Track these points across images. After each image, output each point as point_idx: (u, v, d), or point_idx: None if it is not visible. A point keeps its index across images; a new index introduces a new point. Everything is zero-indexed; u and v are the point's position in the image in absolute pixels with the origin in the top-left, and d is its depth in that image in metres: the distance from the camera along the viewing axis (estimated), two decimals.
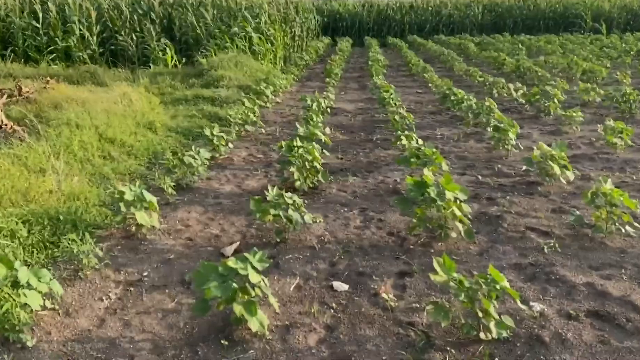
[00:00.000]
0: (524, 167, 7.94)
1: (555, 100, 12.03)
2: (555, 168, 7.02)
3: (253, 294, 4.16)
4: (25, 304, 4.19)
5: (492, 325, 3.84)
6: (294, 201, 5.83)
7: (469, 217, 6.08)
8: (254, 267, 4.17)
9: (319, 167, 7.37)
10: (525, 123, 11.56)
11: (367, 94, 16.40)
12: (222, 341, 4.05)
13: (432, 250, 5.47)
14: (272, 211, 5.68)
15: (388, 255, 5.44)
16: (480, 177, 7.89)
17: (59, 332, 4.21)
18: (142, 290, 4.86)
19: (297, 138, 7.69)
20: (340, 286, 4.87)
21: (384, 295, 4.63)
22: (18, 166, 6.87)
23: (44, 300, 4.25)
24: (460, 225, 5.48)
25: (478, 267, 5.08)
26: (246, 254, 4.22)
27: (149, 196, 5.80)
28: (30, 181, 6.49)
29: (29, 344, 3.98)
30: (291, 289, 4.86)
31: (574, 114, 10.61)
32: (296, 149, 7.33)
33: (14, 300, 4.02)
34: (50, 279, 4.23)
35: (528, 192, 7.10)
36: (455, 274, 3.98)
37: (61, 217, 5.75)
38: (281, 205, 5.76)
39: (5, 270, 3.97)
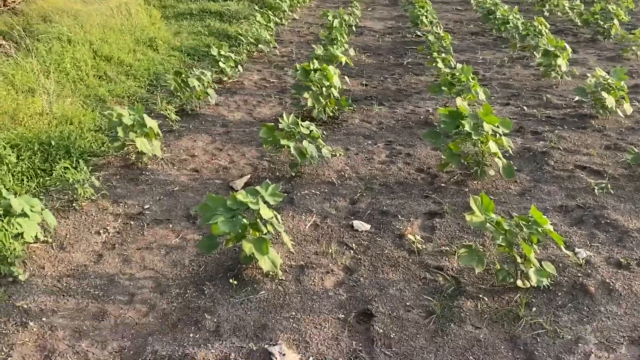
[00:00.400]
0: (576, 98, 7.76)
1: (617, 21, 11.59)
2: (611, 99, 6.83)
3: (264, 230, 4.20)
4: (18, 234, 4.29)
5: (531, 272, 3.85)
6: (311, 131, 5.78)
7: (511, 152, 6.01)
8: (265, 202, 4.19)
9: (336, 94, 7.25)
10: (580, 47, 11.22)
11: (399, 10, 15.97)
12: (231, 280, 4.13)
13: (467, 189, 5.44)
14: (285, 142, 5.64)
15: (416, 194, 5.43)
16: (525, 108, 7.74)
17: (53, 266, 4.32)
18: (143, 225, 4.94)
19: (315, 60, 7.54)
20: (362, 226, 4.89)
21: (410, 237, 4.65)
22: (4, 85, 6.89)
23: (38, 232, 4.34)
24: (499, 162, 5.41)
25: (518, 208, 5.05)
26: (257, 187, 4.23)
27: (150, 121, 5.79)
28: (19, 102, 6.52)
29: (20, 277, 4.10)
30: (307, 227, 4.90)
31: (639, 37, 10.24)
32: (312, 73, 7.20)
33: (6, 230, 4.10)
34: (43, 209, 4.30)
35: (579, 126, 6.96)
36: (492, 215, 3.95)
37: (53, 143, 5.80)
38: (296, 135, 5.72)
39: None
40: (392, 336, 3.60)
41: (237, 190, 5.33)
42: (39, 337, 3.61)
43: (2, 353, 3.44)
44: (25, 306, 3.87)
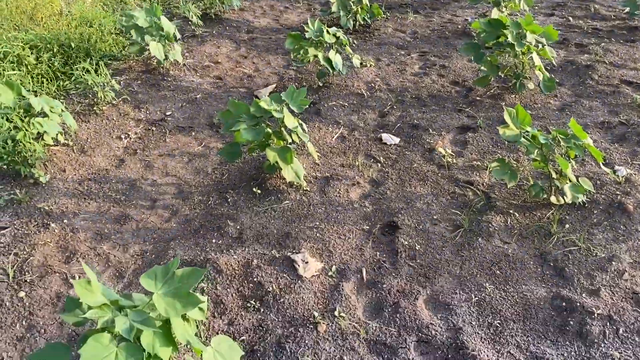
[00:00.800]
0: (626, 9, 7.39)
1: None
2: None
3: (289, 140, 4.17)
4: (38, 135, 4.34)
5: (566, 187, 3.78)
6: (338, 38, 5.62)
7: (554, 64, 5.82)
8: (290, 110, 4.14)
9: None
10: None
11: None
12: (254, 189, 4.15)
13: (503, 103, 5.31)
14: (312, 50, 5.51)
15: (449, 107, 5.32)
16: (571, 18, 7.42)
17: (74, 170, 4.39)
18: (165, 131, 4.95)
19: None
20: (390, 139, 4.84)
21: (441, 151, 4.59)
22: None
23: (57, 134, 4.38)
24: (540, 75, 5.24)
25: (557, 124, 4.92)
26: (282, 94, 4.16)
27: (167, 24, 5.67)
28: (37, 1, 6.43)
29: (42, 179, 4.17)
30: (333, 139, 4.87)
31: None
32: None
33: (26, 130, 4.14)
34: (63, 110, 4.32)
35: (628, 39, 6.66)
36: (528, 128, 3.85)
37: (73, 45, 5.76)
38: (324, 44, 5.58)
39: (13, 95, 4.05)
40: (417, 248, 3.62)
41: None
42: (60, 238, 3.71)
43: (25, 252, 3.55)
44: (46, 208, 3.95)
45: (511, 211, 3.90)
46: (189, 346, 2.97)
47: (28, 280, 3.36)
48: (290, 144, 4.20)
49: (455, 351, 2.92)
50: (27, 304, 3.20)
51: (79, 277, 3.41)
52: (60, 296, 3.28)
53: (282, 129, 4.16)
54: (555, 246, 3.58)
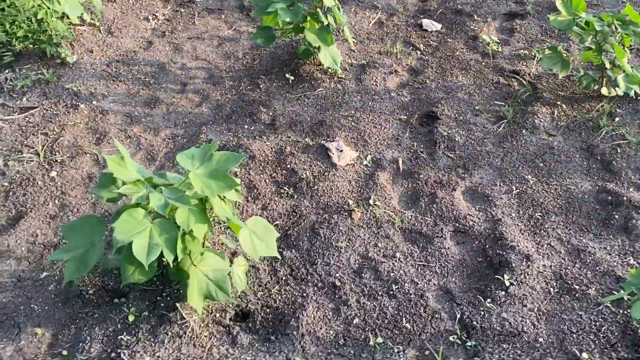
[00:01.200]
0: None
1: None
2: None
3: (325, 22, 4.01)
4: (63, 15, 4.25)
5: (620, 78, 3.61)
6: None
7: None
8: None
9: None
10: None
11: None
12: (287, 75, 4.07)
13: None
14: None
15: None
16: None
17: (102, 51, 4.32)
18: (194, 13, 4.81)
19: None
20: (431, 25, 4.65)
21: (485, 38, 4.40)
22: None
23: (82, 13, 4.29)
24: None
25: (612, 12, 4.67)
26: None
27: None
28: None
29: (69, 59, 4.12)
30: (370, 25, 4.69)
31: None
32: None
33: (48, 8, 4.05)
34: None
35: None
36: (583, 14, 3.64)
37: None
38: None
39: None
40: (456, 139, 3.55)
41: None
42: (90, 119, 3.70)
43: (54, 133, 3.57)
44: (75, 89, 3.93)
45: (558, 103, 3.78)
46: (223, 228, 3.01)
47: (59, 161, 3.39)
48: (326, 26, 4.05)
49: (493, 242, 2.91)
50: (58, 183, 3.25)
51: None
52: (91, 177, 3.31)
53: (318, 9, 4.00)
54: (604, 139, 3.47)
